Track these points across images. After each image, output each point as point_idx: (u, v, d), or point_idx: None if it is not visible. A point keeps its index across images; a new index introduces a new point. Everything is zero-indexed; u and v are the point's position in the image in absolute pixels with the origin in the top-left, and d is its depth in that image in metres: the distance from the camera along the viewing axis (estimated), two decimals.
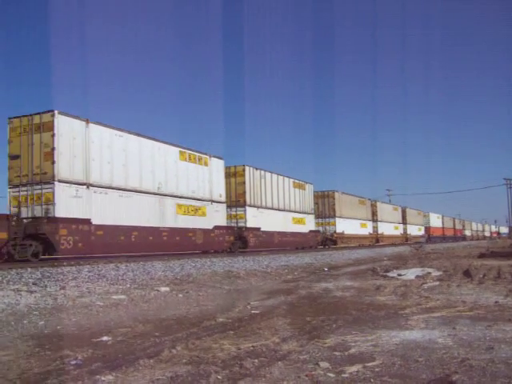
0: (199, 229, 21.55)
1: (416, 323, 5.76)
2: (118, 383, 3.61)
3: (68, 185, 15.69)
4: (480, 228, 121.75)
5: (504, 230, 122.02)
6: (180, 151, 20.99)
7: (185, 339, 5.09)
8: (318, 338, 5.07)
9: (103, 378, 3.69)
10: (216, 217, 22.93)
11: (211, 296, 9.15)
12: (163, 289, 9.56)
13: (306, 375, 3.73)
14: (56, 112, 15.62)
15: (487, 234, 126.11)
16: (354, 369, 3.87)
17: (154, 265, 13.97)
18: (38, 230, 14.81)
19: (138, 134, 19.12)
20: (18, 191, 15.57)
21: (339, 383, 3.56)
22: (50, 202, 15.23)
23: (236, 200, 25.16)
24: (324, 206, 37.63)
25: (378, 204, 49.31)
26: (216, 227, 22.81)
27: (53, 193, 15.26)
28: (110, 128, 17.73)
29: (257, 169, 26.96)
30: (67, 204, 15.54)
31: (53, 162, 15.30)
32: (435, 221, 70.57)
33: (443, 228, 74.64)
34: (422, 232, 64.19)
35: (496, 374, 3.64)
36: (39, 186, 15.40)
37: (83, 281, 10.00)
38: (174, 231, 19.97)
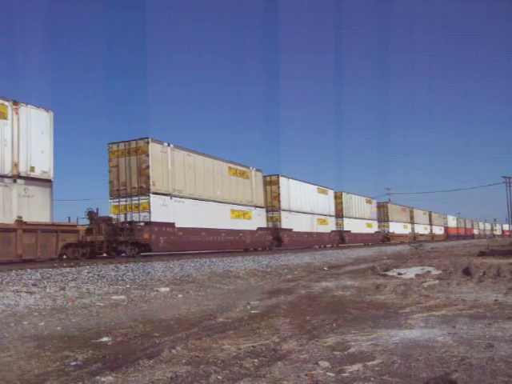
0: (325, 232, 37.15)
1: (416, 322, 5.77)
2: None
3: (284, 211, 30.01)
4: (488, 227, 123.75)
5: None
6: (318, 188, 36.15)
7: (185, 339, 5.09)
8: (317, 337, 5.07)
9: (103, 379, 3.69)
10: (331, 225, 38.45)
11: (211, 296, 9.15)
12: (163, 289, 9.56)
13: (306, 375, 3.73)
14: (280, 175, 30.03)
15: (498, 232, 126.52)
16: (354, 368, 3.87)
17: (153, 265, 13.97)
18: (277, 233, 29.01)
19: (307, 182, 34.44)
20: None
21: (339, 382, 3.56)
22: (278, 220, 29.55)
23: (337, 214, 40.01)
24: (380, 214, 51.68)
25: (414, 210, 63.20)
26: (332, 231, 38.37)
27: (279, 216, 29.60)
28: (297, 180, 32.59)
29: (348, 193, 42.61)
30: (285, 221, 30.00)
31: (279, 201, 29.66)
32: (452, 222, 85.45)
33: (457, 228, 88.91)
34: (442, 231, 77.15)
35: (496, 372, 3.65)
36: (271, 213, 29.41)
37: (83, 281, 10.00)
38: (317, 234, 35.47)
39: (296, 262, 18.72)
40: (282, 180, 29.92)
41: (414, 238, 56.35)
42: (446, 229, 79.63)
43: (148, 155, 18.39)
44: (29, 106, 14.54)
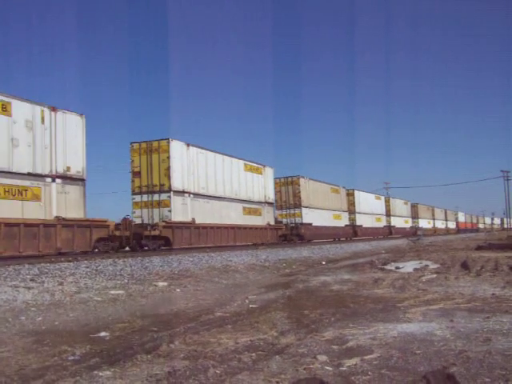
0: (380, 227, 49.67)
1: (414, 316, 5.78)
2: (116, 378, 3.61)
3: (357, 213, 44.61)
4: (498, 221, 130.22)
5: None
6: (375, 196, 50.55)
7: (183, 334, 5.09)
8: (315, 331, 5.07)
9: (101, 374, 3.69)
10: (383, 221, 51.75)
11: (209, 290, 9.16)
12: (161, 283, 9.56)
13: (304, 369, 3.73)
14: (354, 189, 45.07)
15: (510, 226, 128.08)
16: (352, 362, 3.87)
17: (151, 260, 13.96)
18: (354, 228, 42.90)
19: (368, 192, 49.56)
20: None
21: (337, 376, 3.56)
22: (354, 219, 43.80)
23: (387, 214, 53.82)
24: (412, 212, 65.14)
25: (435, 209, 76.75)
26: (384, 226, 51.76)
27: (354, 216, 43.98)
28: (362, 191, 47.26)
29: (393, 197, 58.74)
30: (358, 220, 44.54)
31: (354, 206, 44.46)
32: (461, 217, 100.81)
33: (465, 223, 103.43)
34: (454, 226, 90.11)
35: (493, 365, 3.65)
36: (349, 214, 43.05)
37: (81, 276, 9.99)
38: (375, 228, 48.69)
39: (294, 257, 18.73)
40: (356, 192, 44.98)
41: (434, 231, 71.35)
42: (457, 223, 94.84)
43: (299, 185, 32.66)
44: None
